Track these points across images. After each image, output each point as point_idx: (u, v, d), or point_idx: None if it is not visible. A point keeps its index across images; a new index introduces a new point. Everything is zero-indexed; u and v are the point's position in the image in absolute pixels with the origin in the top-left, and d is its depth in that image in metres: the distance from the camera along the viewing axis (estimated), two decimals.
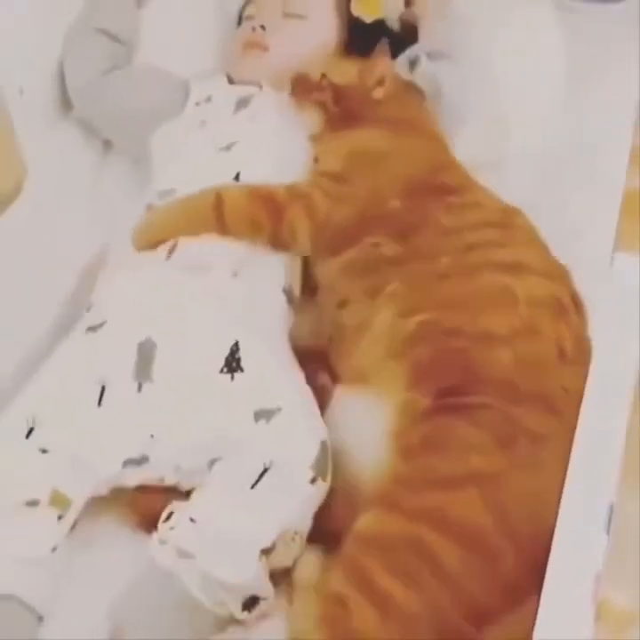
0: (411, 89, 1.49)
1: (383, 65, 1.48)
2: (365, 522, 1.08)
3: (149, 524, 1.20)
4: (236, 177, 1.40)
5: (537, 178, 1.57)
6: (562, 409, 1.12)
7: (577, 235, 1.45)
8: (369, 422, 1.17)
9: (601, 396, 0.84)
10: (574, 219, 1.50)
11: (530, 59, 1.63)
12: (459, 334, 1.16)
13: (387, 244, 1.29)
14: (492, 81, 1.57)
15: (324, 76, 1.49)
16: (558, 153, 1.59)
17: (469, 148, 1.52)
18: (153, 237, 1.35)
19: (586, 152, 1.59)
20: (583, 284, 1.26)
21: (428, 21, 1.58)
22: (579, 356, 1.17)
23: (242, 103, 1.52)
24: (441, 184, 1.36)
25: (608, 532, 0.78)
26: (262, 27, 1.57)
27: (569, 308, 1.22)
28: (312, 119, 1.48)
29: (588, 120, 1.63)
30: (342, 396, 1.24)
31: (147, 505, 1.23)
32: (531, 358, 1.15)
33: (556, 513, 0.97)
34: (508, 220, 1.31)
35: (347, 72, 1.49)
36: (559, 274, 1.26)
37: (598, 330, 0.95)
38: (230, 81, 1.59)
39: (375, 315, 1.24)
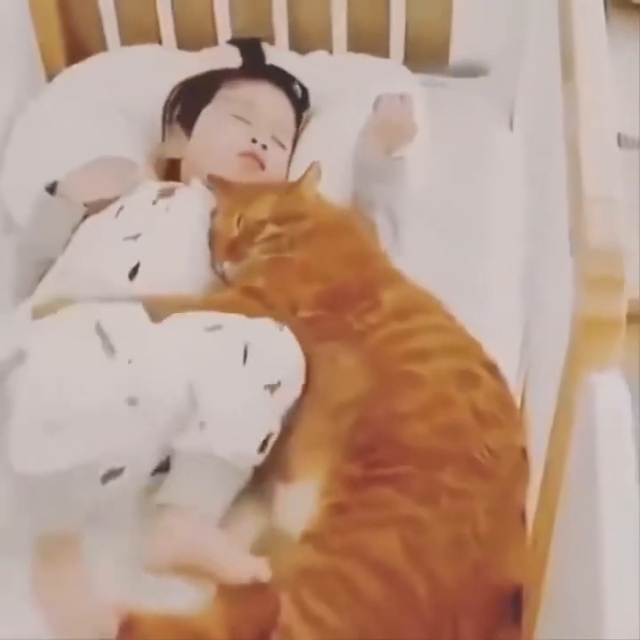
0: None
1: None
2: (298, 560, 1.21)
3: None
4: (136, 267, 1.45)
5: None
6: (486, 467, 1.25)
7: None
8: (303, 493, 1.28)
9: None
10: None
11: None
12: (377, 419, 1.28)
13: None
14: None
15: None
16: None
17: None
18: None
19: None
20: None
21: None
22: (501, 416, 1.31)
23: (163, 194, 1.56)
24: (356, 291, 1.43)
25: None
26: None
27: (480, 374, 1.34)
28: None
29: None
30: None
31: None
32: (446, 425, 1.27)
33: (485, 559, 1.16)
34: (418, 307, 1.42)
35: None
36: (466, 346, 1.39)
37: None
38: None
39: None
